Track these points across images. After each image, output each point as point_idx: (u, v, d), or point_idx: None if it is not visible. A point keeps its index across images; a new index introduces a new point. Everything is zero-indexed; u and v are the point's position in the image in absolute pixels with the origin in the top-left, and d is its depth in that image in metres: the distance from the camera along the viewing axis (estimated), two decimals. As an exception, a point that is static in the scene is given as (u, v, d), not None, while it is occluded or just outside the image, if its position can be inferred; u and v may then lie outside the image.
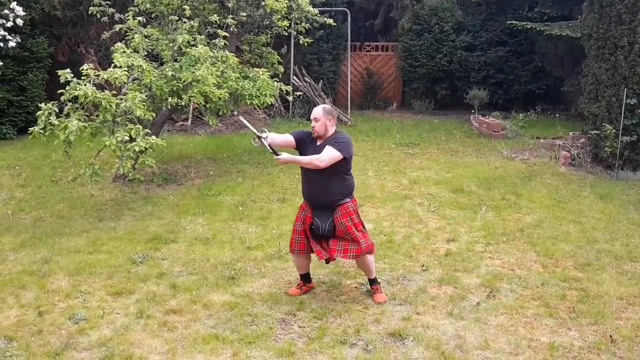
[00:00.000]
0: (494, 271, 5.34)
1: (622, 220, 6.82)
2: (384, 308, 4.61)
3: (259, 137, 4.46)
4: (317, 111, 4.60)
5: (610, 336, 4.21)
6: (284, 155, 4.47)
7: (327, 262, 4.90)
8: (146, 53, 7.66)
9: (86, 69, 6.70)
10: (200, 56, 7.36)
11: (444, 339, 4.16)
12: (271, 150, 4.50)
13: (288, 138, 4.66)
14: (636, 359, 3.96)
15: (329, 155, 4.44)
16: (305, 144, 4.64)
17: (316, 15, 9.90)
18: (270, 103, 8.54)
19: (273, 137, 4.56)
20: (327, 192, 4.57)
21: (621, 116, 8.85)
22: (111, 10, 8.31)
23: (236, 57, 8.32)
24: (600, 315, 4.52)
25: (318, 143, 4.59)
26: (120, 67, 6.84)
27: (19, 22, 9.47)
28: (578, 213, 7.04)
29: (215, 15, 8.24)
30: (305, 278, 4.92)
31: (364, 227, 4.72)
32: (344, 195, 4.63)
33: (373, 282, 4.83)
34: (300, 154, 4.64)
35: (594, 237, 6.24)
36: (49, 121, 6.41)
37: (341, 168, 4.55)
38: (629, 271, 5.37)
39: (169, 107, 7.75)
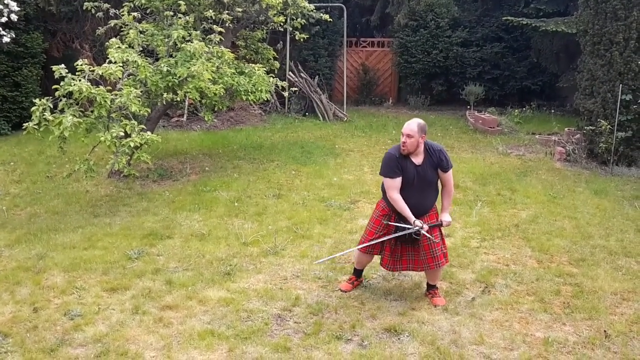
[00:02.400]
0: (489, 267, 5.35)
1: (616, 215, 6.84)
2: (379, 304, 4.62)
3: (420, 230, 4.37)
4: (412, 127, 4.39)
5: (605, 331, 4.23)
6: (446, 218, 4.52)
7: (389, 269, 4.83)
8: (141, 49, 7.63)
9: (81, 65, 6.68)
10: (196, 52, 7.33)
11: (439, 334, 4.17)
12: (433, 224, 4.51)
13: (398, 184, 4.44)
14: (630, 354, 3.98)
15: (451, 177, 4.57)
16: (403, 168, 4.46)
17: (312, 11, 9.88)
18: (266, 99, 8.52)
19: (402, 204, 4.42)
20: (428, 200, 4.59)
21: (616, 112, 8.87)
22: (106, 5, 8.28)
23: (232, 52, 8.30)
24: (594, 310, 4.54)
25: (416, 162, 4.47)
26: (115, 62, 6.82)
27: (14, 17, 9.42)
28: (573, 209, 7.07)
29: (210, 11, 8.22)
30: (360, 274, 4.94)
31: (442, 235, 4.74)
32: (436, 199, 4.69)
33: (433, 287, 4.78)
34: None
35: (589, 232, 6.26)
36: (44, 117, 6.39)
37: None
38: (624, 266, 5.39)
39: (164, 103, 7.73)
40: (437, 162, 4.50)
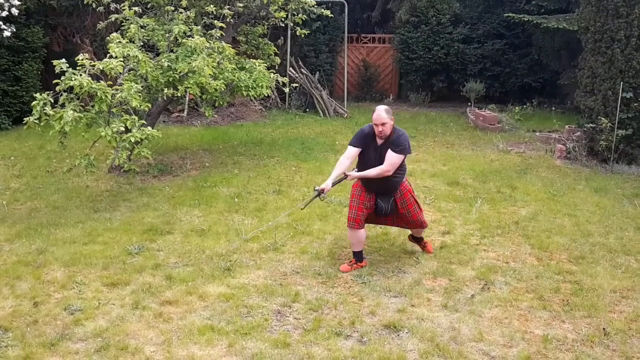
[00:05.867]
0: (489, 264, 5.36)
1: (616, 213, 6.85)
2: (379, 300, 4.63)
3: (320, 193, 4.99)
4: (382, 115, 4.82)
5: (604, 329, 4.24)
6: (352, 174, 5.03)
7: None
8: (142, 43, 7.61)
9: (81, 59, 6.67)
10: (197, 47, 7.32)
11: (438, 331, 4.18)
12: (337, 183, 5.14)
13: (352, 153, 5.00)
14: (629, 352, 3.99)
15: (391, 164, 4.88)
16: (367, 145, 4.99)
17: (313, 6, 9.86)
18: (266, 94, 8.50)
19: (340, 167, 5.00)
20: (391, 181, 5.02)
21: (617, 110, 8.87)
22: (107, 0, 8.25)
23: (232, 48, 8.29)
24: (593, 308, 4.55)
25: (379, 143, 4.95)
26: (116, 57, 6.80)
27: (14, 11, 9.39)
28: (573, 206, 7.07)
29: (211, 6, 8.21)
30: (361, 256, 5.26)
31: (419, 205, 5.30)
32: (402, 176, 5.12)
33: (421, 239, 5.53)
34: (361, 155, 5.03)
35: (589, 230, 6.27)
36: (44, 111, 6.39)
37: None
38: (623, 264, 5.40)
39: (165, 98, 7.72)
40: (392, 141, 4.85)
